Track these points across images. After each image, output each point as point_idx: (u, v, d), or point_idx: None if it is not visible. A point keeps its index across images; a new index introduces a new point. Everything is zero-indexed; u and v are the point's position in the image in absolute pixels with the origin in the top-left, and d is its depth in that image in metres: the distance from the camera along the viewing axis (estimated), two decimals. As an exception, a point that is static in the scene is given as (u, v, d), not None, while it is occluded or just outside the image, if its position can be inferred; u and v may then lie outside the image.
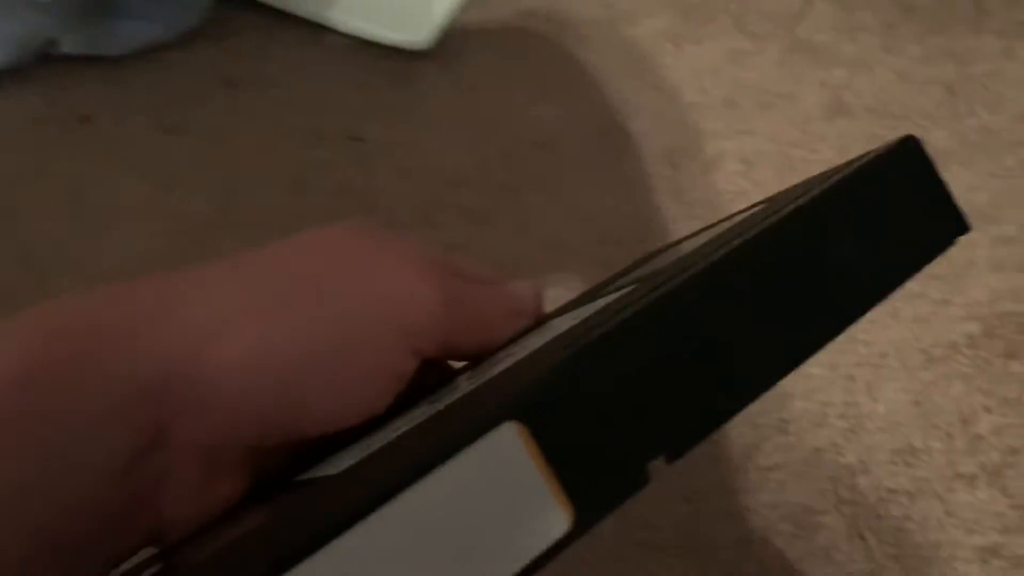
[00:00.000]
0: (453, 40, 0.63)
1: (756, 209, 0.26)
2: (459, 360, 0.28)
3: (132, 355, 0.22)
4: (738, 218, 0.27)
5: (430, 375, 0.27)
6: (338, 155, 0.58)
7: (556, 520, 0.17)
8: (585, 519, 0.17)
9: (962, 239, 0.58)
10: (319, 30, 0.64)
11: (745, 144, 0.59)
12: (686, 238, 0.33)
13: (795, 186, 0.27)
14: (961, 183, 0.59)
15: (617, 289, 0.25)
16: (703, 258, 0.19)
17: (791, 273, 0.19)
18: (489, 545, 0.16)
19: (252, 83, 0.63)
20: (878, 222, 0.20)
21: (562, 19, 0.67)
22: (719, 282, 0.18)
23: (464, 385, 0.24)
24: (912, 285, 0.54)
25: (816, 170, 0.58)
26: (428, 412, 0.22)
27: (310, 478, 0.23)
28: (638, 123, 0.60)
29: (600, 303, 0.24)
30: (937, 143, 0.59)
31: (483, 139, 0.59)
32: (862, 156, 0.22)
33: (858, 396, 0.48)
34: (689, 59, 0.64)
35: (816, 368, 0.49)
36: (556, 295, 0.33)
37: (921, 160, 0.21)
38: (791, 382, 0.48)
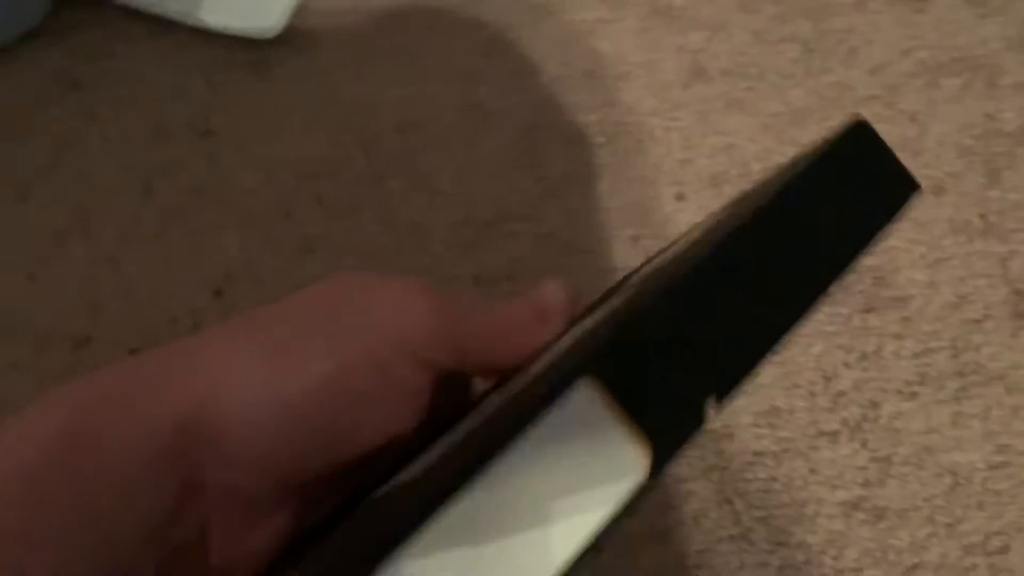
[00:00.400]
0: (304, 25, 0.62)
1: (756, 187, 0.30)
2: (494, 373, 0.28)
3: (150, 417, 0.23)
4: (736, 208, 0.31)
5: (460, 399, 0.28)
6: (190, 153, 0.57)
7: (637, 463, 0.19)
8: (660, 459, 0.19)
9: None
10: (165, 23, 0.62)
11: (605, 116, 0.58)
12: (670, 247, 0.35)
13: (781, 167, 0.31)
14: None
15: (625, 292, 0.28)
16: (724, 232, 0.23)
17: (798, 234, 0.22)
18: (583, 493, 0.18)
19: (98, 83, 0.60)
20: (853, 189, 0.24)
21: (420, -3, 0.66)
22: (745, 248, 0.22)
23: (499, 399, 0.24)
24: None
25: (675, 139, 0.58)
26: (477, 418, 0.23)
27: (376, 496, 0.24)
28: (499, 101, 0.59)
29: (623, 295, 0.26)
30: (795, 102, 0.59)
31: (341, 127, 0.58)
32: (825, 141, 0.26)
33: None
34: (548, 32, 0.64)
35: (680, 337, 0.49)
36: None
37: (872, 137, 0.24)
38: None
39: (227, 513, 0.24)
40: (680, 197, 0.55)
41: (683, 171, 0.56)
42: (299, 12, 0.61)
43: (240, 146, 0.57)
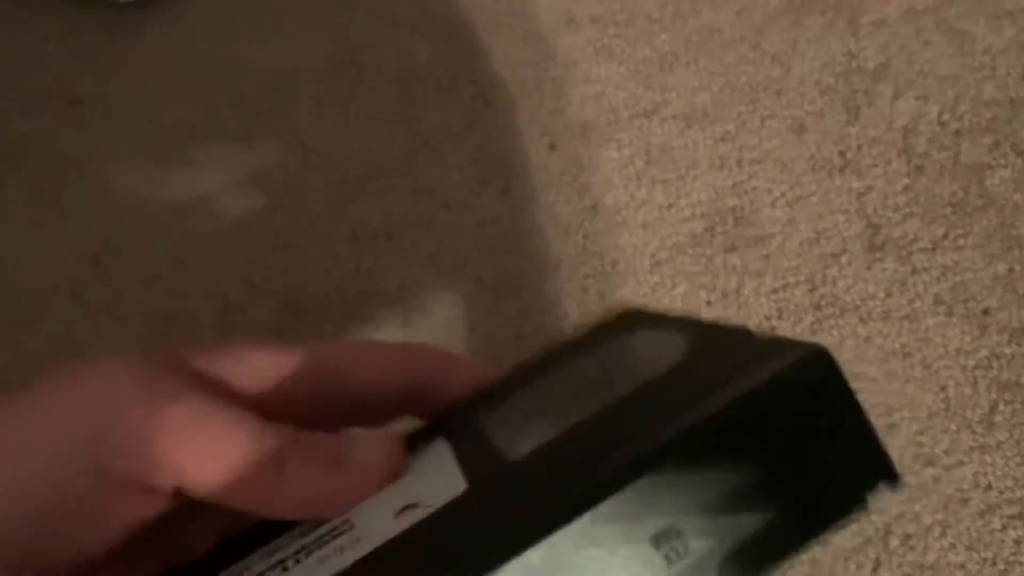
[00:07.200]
0: (171, -14, 0.61)
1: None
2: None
3: None
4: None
5: None
6: (57, 122, 0.56)
7: None
8: None
9: (686, 140, 0.60)
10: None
11: (478, 68, 0.59)
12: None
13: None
14: (686, 86, 0.62)
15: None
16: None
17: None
18: None
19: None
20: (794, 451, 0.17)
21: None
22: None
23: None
24: (637, 192, 0.56)
25: (547, 89, 0.59)
26: None
27: None
28: (369, 55, 0.59)
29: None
30: (662, 47, 0.61)
31: (211, 87, 0.57)
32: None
33: (591, 306, 0.50)
34: (421, -17, 0.64)
35: (548, 283, 0.51)
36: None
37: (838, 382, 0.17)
38: (524, 306, 0.50)
39: None
40: (552, 147, 0.56)
41: (553, 121, 0.57)
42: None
43: (109, 112, 0.56)
